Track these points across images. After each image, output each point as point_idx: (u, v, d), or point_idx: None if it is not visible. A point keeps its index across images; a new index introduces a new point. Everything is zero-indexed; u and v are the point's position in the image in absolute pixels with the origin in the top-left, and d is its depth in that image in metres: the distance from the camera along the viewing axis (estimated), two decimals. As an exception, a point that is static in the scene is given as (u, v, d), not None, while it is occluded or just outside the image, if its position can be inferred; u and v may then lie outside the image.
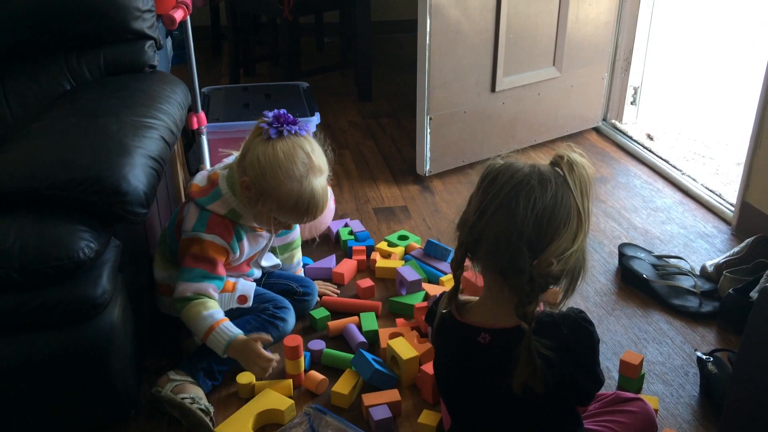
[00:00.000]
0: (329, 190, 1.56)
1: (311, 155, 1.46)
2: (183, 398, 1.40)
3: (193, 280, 1.48)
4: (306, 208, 1.46)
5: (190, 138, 2.18)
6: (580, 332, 1.11)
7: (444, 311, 1.19)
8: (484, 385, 1.14)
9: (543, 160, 1.13)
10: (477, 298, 1.18)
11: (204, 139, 2.09)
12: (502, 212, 1.06)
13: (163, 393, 1.41)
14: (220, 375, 1.52)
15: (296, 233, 1.80)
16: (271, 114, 1.45)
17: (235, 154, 1.55)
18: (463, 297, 1.20)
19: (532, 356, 1.05)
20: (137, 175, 1.33)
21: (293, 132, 1.45)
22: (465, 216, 1.12)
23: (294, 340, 1.51)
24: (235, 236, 1.51)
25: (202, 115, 2.07)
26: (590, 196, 1.09)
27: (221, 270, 1.51)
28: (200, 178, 1.55)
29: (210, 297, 1.48)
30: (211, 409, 1.42)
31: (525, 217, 1.04)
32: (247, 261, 1.63)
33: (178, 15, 1.86)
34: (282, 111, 1.46)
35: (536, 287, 1.07)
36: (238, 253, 1.54)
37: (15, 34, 1.70)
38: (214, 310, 1.47)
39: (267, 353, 1.44)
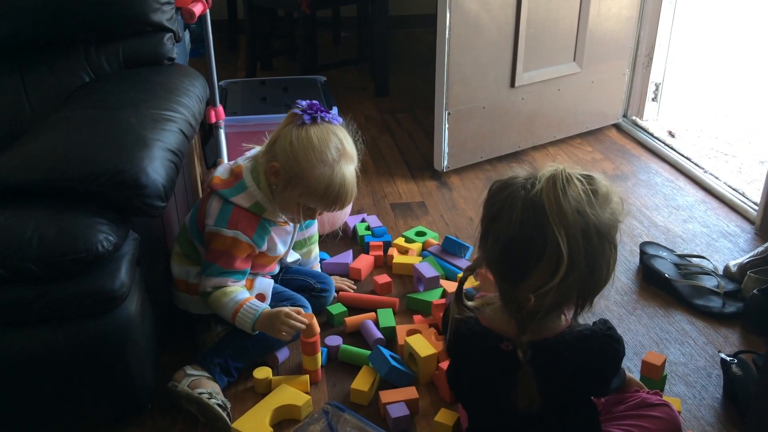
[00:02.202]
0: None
1: (344, 141, 1.46)
2: (200, 393, 1.39)
3: (212, 275, 1.48)
4: (336, 194, 1.45)
5: (207, 131, 2.17)
6: (609, 352, 1.10)
7: (458, 316, 1.16)
8: (504, 391, 1.12)
9: (561, 158, 1.09)
10: (496, 297, 1.16)
11: (222, 132, 2.08)
12: (483, 241, 1.05)
13: (180, 388, 1.41)
14: (237, 371, 1.51)
15: (314, 228, 1.79)
16: (304, 103, 1.45)
17: (258, 148, 1.54)
18: (477, 299, 1.17)
19: (528, 384, 1.05)
20: (156, 168, 1.32)
21: (327, 119, 1.45)
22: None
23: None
24: (259, 230, 1.50)
25: (220, 108, 2.06)
26: (572, 222, 0.95)
27: (240, 265, 1.50)
28: (222, 171, 1.54)
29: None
30: (228, 404, 1.42)
31: (492, 248, 1.01)
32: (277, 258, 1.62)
33: (198, 9, 1.85)
34: (315, 101, 1.46)
35: (526, 317, 1.04)
36: (265, 247, 1.52)
37: (34, 26, 1.69)
38: (236, 293, 1.48)
39: (295, 315, 1.44)
